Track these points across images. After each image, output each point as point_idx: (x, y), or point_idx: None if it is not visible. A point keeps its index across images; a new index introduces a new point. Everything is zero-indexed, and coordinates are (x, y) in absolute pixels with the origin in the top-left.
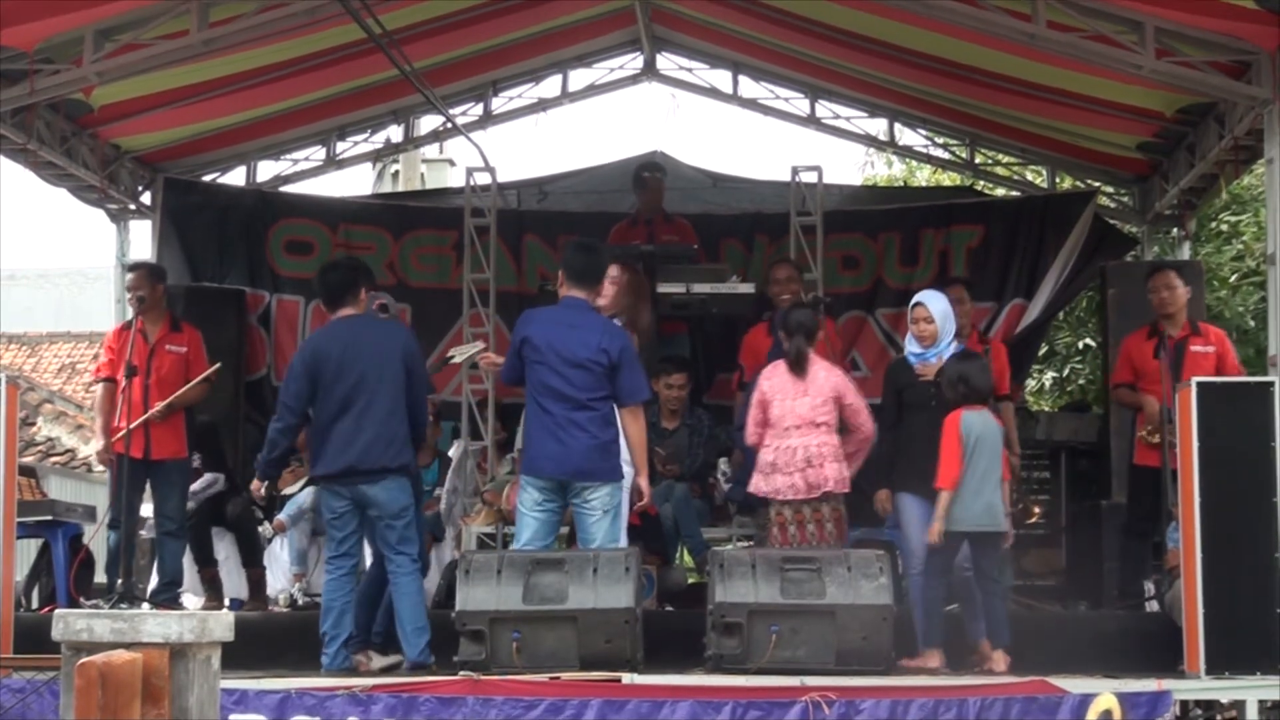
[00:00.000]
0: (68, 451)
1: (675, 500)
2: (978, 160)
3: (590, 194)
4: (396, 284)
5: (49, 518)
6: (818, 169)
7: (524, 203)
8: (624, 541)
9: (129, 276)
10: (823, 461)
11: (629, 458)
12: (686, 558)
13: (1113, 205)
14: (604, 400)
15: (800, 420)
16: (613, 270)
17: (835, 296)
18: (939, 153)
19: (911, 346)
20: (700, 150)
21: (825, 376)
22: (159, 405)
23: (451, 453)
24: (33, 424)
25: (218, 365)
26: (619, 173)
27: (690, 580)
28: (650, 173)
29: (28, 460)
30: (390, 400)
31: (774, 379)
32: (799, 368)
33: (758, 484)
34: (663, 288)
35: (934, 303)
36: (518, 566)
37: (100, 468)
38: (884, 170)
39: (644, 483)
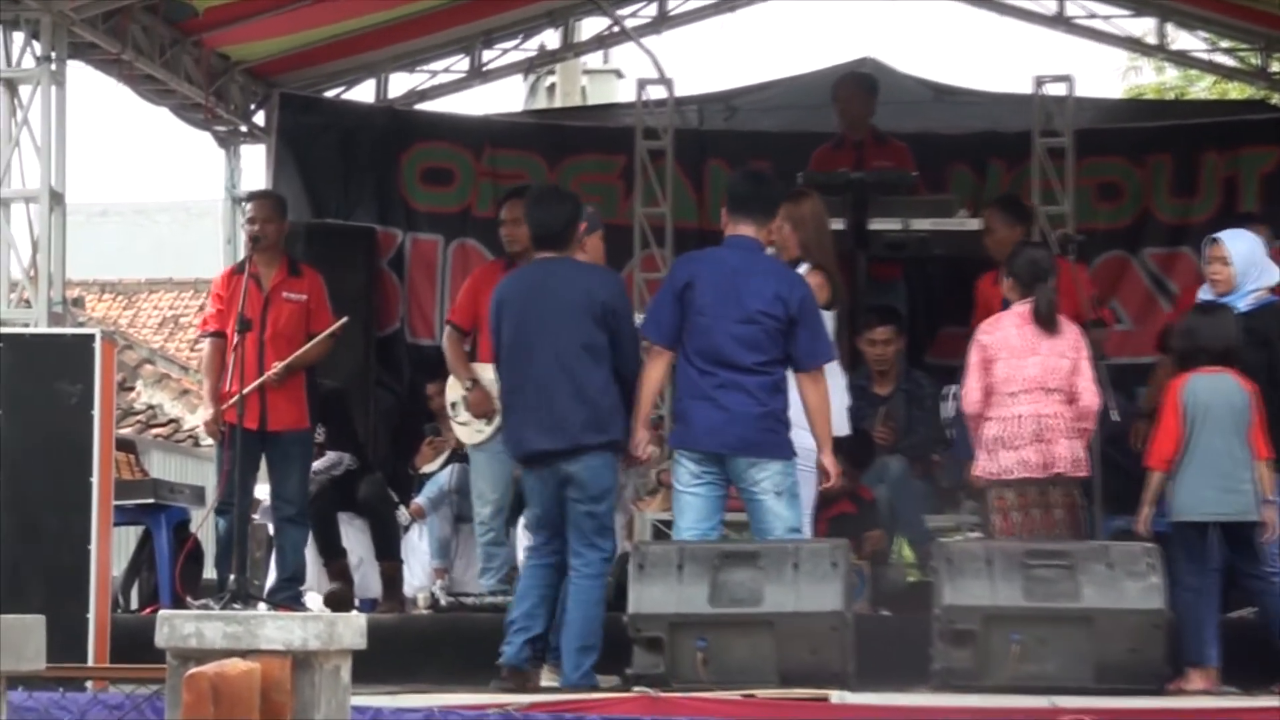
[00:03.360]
0: (171, 421)
1: (891, 481)
2: (1274, 69)
3: (787, 110)
4: None
5: (150, 500)
6: (1068, 79)
7: (707, 121)
8: (808, 531)
9: (250, 206)
10: (1055, 437)
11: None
12: (906, 551)
13: None
14: (775, 364)
15: (1029, 384)
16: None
17: (1089, 233)
18: (1223, 59)
19: (1203, 294)
20: (921, 56)
21: (1066, 332)
22: (276, 366)
23: None
24: (131, 389)
25: (344, 319)
26: (821, 84)
27: (911, 579)
28: (858, 84)
29: (125, 432)
30: (590, 363)
31: (996, 333)
32: (1049, 322)
33: (983, 465)
34: (874, 223)
35: (1234, 242)
36: (702, 561)
37: (208, 440)
38: (1151, 79)
39: (829, 460)
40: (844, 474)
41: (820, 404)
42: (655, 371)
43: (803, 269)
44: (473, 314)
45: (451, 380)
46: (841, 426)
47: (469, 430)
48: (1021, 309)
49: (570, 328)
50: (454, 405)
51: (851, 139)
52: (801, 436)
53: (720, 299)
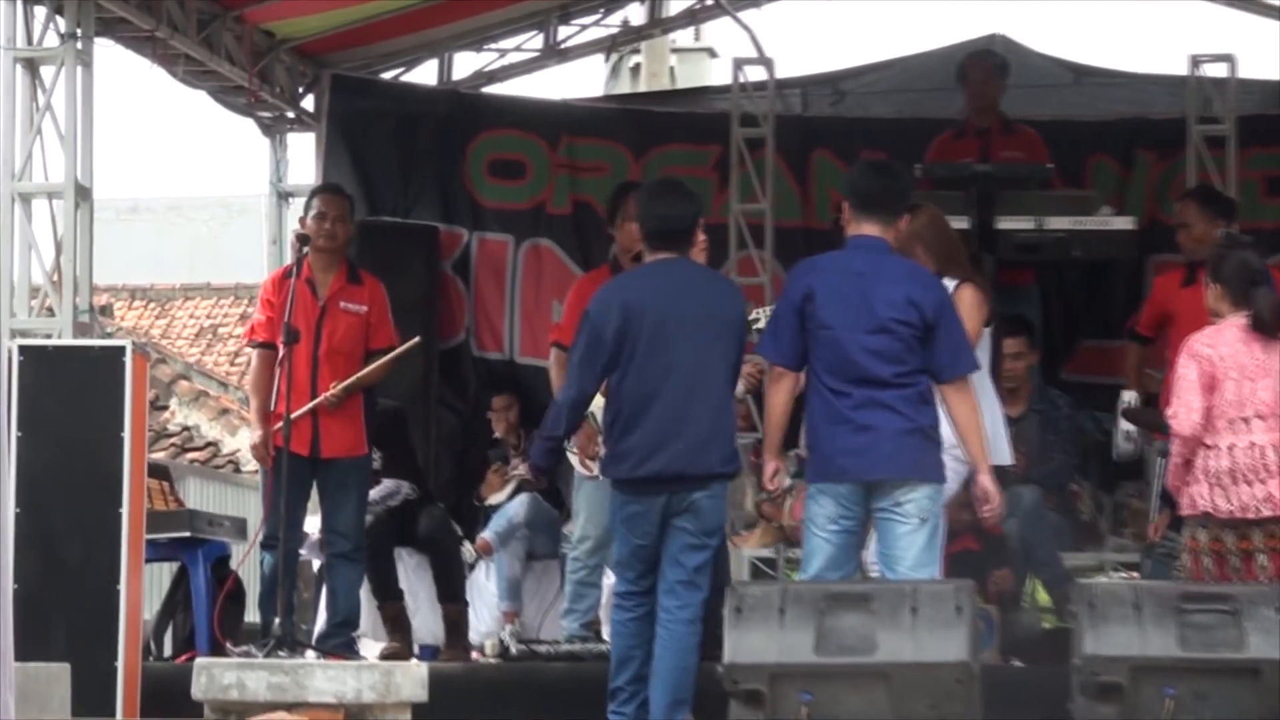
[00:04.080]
0: (209, 444)
1: (1023, 514)
2: None
3: (903, 94)
4: None
5: (187, 534)
6: (1229, 58)
7: (812, 106)
8: (936, 570)
9: (319, 201)
10: (1275, 471)
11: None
12: (1040, 593)
13: None
14: (917, 374)
15: (1265, 409)
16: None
17: (1255, 233)
18: None
19: None
20: (1057, 33)
21: None
22: (335, 387)
23: None
24: (165, 408)
25: (417, 339)
26: (942, 65)
27: (1046, 624)
28: (984, 64)
29: (158, 456)
30: (724, 381)
31: (1222, 347)
32: (1273, 329)
33: (1212, 499)
34: (1002, 222)
35: None
36: (807, 604)
37: (252, 465)
38: None
39: (987, 480)
40: (966, 505)
41: (970, 418)
42: (780, 396)
43: (949, 285)
44: None
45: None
46: (1003, 454)
47: (584, 464)
48: (1239, 320)
49: (711, 341)
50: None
51: (976, 126)
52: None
53: (847, 308)
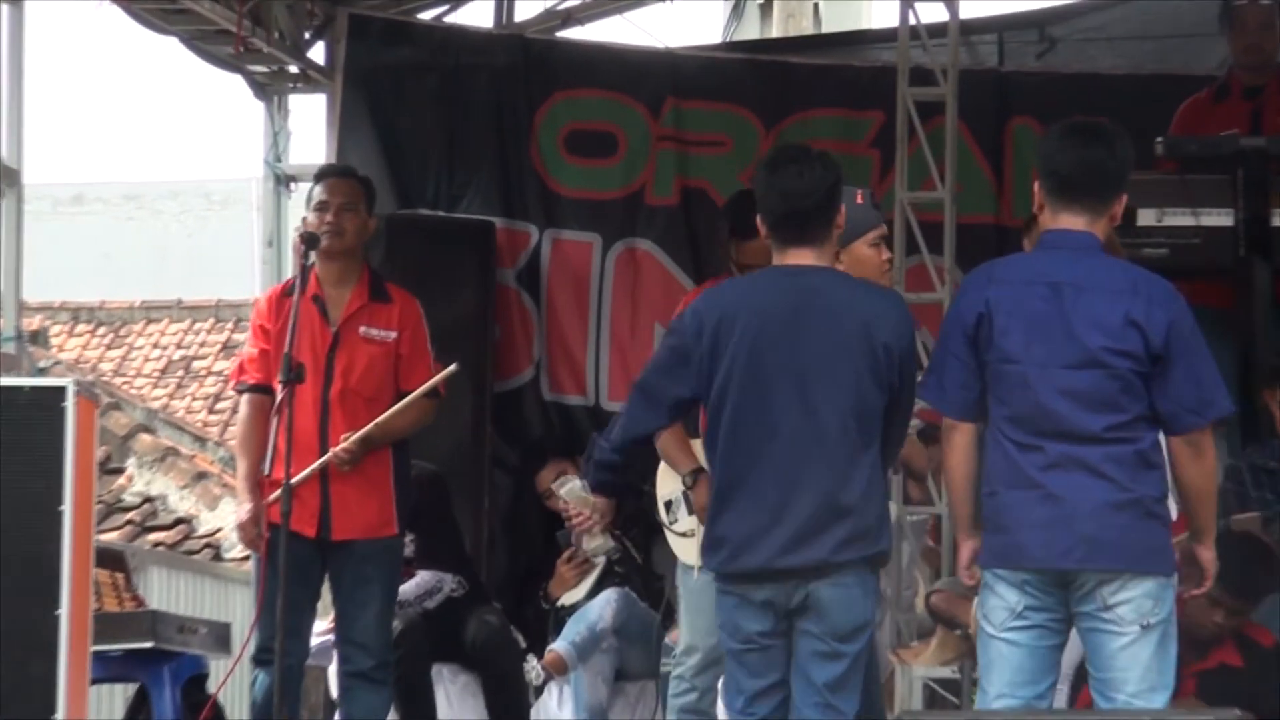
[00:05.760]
0: (180, 522)
1: None
2: None
3: (1138, 41)
4: None
5: (149, 645)
6: None
7: (1010, 58)
8: (1168, 694)
9: (320, 186)
10: None
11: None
12: None
13: None
14: (1138, 425)
15: None
16: None
17: None
18: None
19: None
20: None
21: None
22: (347, 439)
23: None
24: (120, 471)
25: (453, 367)
26: (1193, 3)
27: None
28: (1262, 4)
29: (111, 537)
30: (857, 439)
31: None
32: None
33: None
34: None
35: None
36: None
37: (239, 550)
38: None
39: (1208, 554)
40: (1224, 604)
41: (1204, 483)
42: (959, 455)
43: None
44: None
45: (663, 470)
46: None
47: (690, 545)
48: None
49: (838, 380)
50: (669, 505)
51: (1245, 85)
52: None
53: (1039, 334)
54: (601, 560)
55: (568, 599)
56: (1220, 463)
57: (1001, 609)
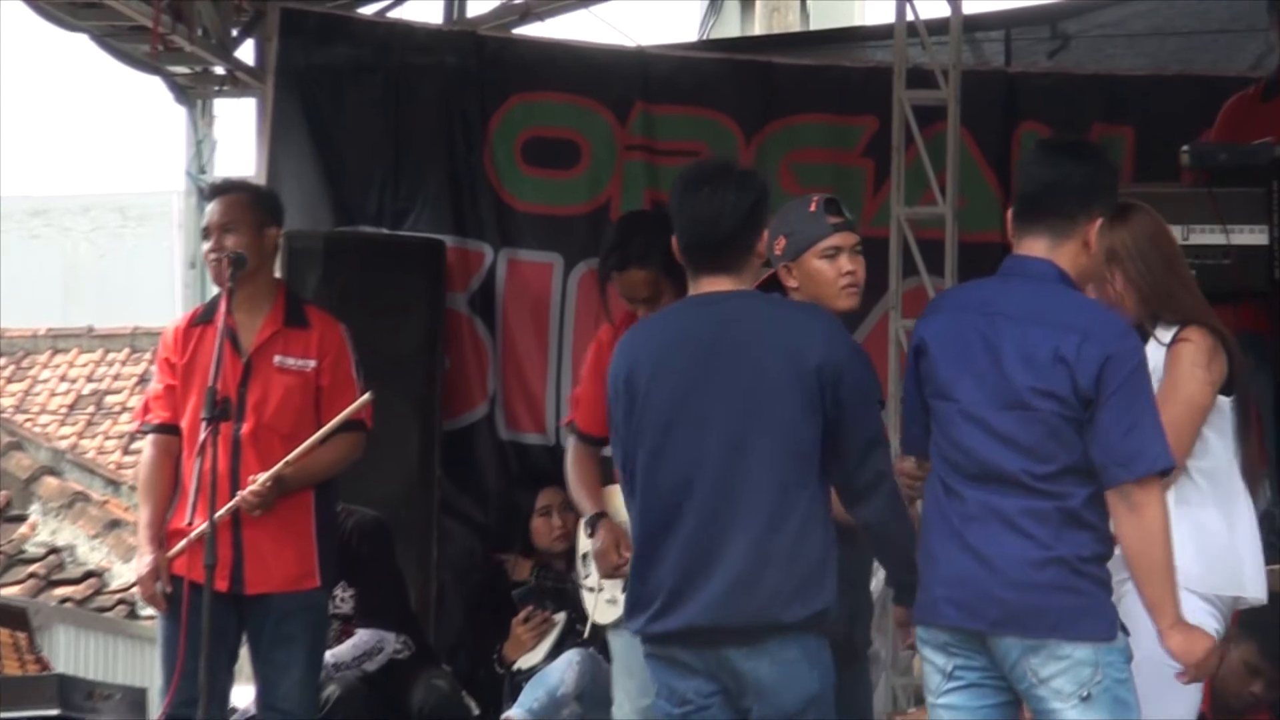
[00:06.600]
0: (90, 575)
1: None
2: None
3: (1156, 39)
4: None
5: (54, 712)
6: None
7: (1019, 57)
8: None
9: (212, 207)
10: None
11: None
12: None
13: None
14: (1068, 477)
15: None
16: None
17: None
18: None
19: None
20: None
21: None
22: (258, 479)
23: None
24: (22, 518)
25: (367, 395)
26: None
27: None
28: None
29: (11, 592)
30: (785, 481)
31: None
32: None
33: None
34: None
35: None
36: None
37: (148, 610)
38: None
39: (1177, 639)
40: (1264, 674)
41: (1143, 546)
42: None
43: (1165, 334)
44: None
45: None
46: (1257, 585)
47: (604, 602)
48: None
49: (761, 418)
50: (585, 559)
51: None
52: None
53: (967, 369)
54: (562, 619)
55: (525, 662)
56: (1257, 509)
57: (933, 674)
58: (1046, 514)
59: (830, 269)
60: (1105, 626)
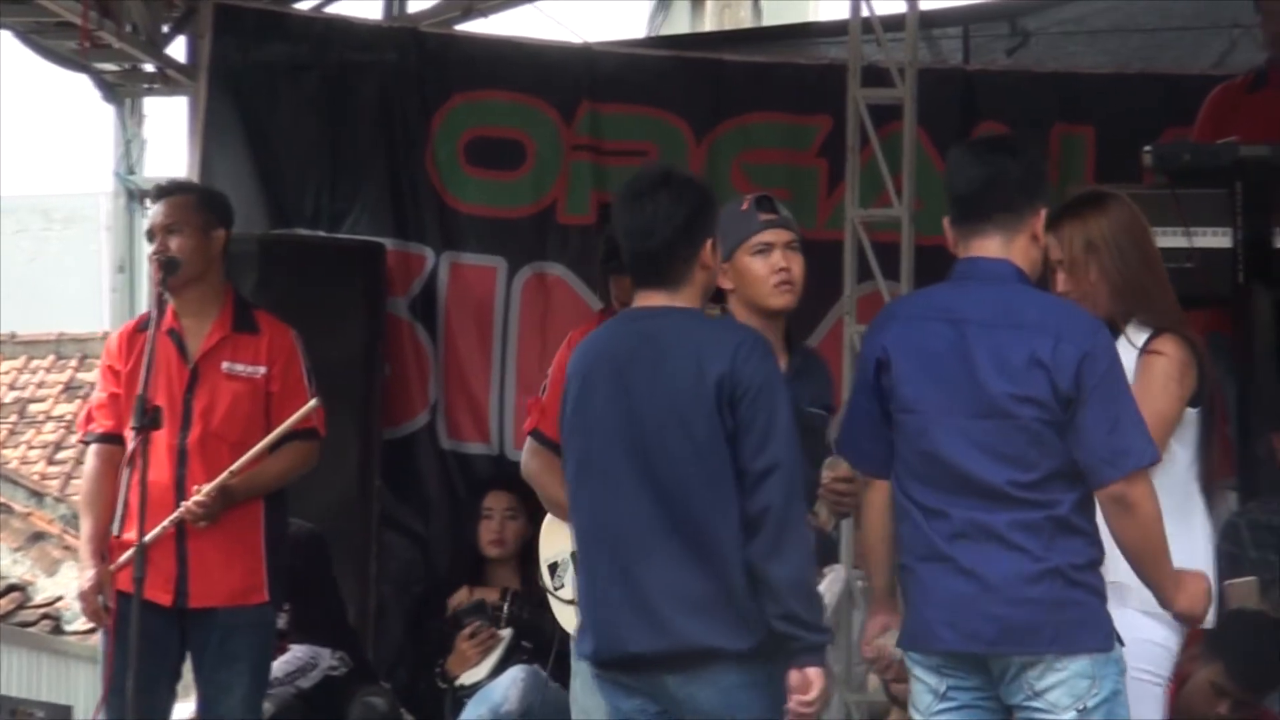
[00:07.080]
0: (13, 589)
1: None
2: None
3: (1119, 36)
4: None
5: None
6: None
7: (976, 55)
8: None
9: (156, 209)
10: None
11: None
12: None
13: None
14: (1054, 483)
15: None
16: None
17: None
18: None
19: None
20: None
21: None
22: (202, 489)
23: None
24: None
25: (313, 402)
26: None
27: None
28: None
29: None
30: (707, 502)
31: None
32: None
33: None
34: None
35: None
36: None
37: (83, 622)
38: None
39: (1181, 601)
40: (1230, 694)
41: (1143, 542)
42: (874, 513)
43: (1137, 335)
44: None
45: (547, 528)
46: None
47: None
48: None
49: (674, 436)
50: (554, 568)
51: None
52: (1137, 621)
53: (936, 379)
54: (508, 635)
55: (468, 678)
56: (1220, 520)
57: (924, 693)
58: (1038, 524)
59: (762, 266)
60: (1102, 638)
